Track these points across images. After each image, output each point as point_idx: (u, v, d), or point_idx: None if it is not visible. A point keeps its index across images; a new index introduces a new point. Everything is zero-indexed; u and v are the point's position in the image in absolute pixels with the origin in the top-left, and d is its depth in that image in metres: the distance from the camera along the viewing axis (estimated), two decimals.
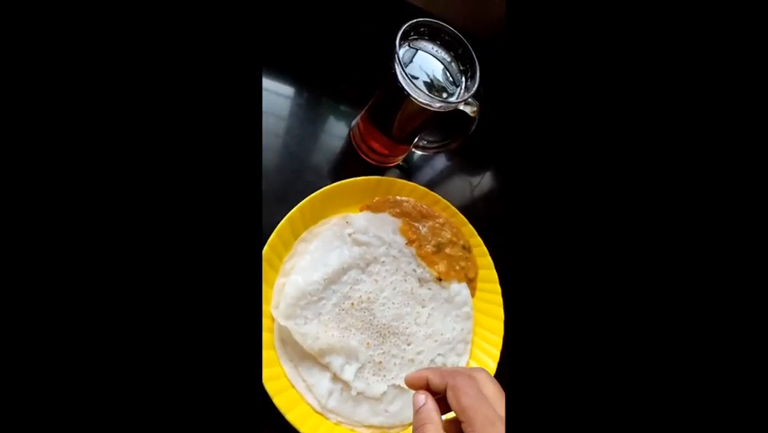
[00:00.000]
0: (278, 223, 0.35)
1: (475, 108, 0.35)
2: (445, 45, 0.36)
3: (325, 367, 0.34)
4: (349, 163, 0.44)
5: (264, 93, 0.44)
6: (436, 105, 0.33)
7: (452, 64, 0.36)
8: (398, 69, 0.32)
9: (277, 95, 0.45)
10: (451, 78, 0.36)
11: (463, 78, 0.36)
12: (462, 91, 0.35)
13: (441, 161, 0.50)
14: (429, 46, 0.36)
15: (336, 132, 0.46)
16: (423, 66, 0.35)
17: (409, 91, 0.33)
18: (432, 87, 0.34)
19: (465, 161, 0.51)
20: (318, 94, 0.46)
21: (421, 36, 0.35)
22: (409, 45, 0.35)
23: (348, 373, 0.34)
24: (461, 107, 0.35)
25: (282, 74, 0.45)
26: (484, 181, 0.51)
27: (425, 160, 0.49)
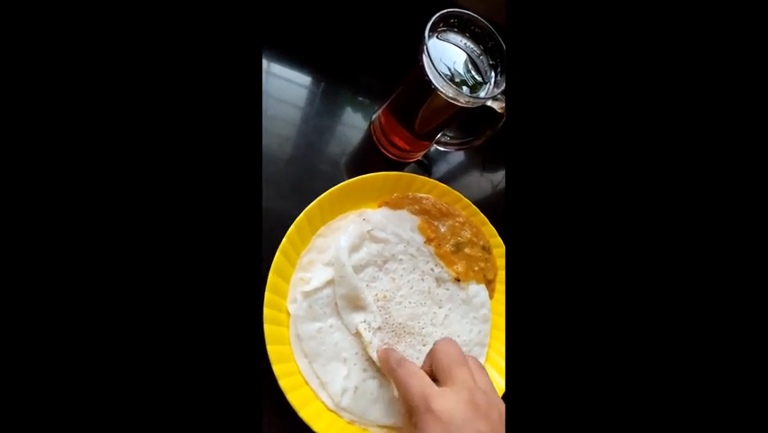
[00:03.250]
0: (294, 214, 0.35)
1: (503, 104, 0.34)
2: (475, 38, 0.34)
3: (340, 363, 0.34)
4: (367, 157, 0.44)
5: (280, 81, 0.43)
6: (463, 100, 0.32)
7: (482, 57, 0.35)
8: (426, 62, 0.31)
9: (293, 83, 0.44)
10: (474, 71, 0.34)
11: (493, 73, 0.34)
12: (492, 87, 0.34)
13: (460, 157, 0.49)
14: (458, 38, 0.34)
15: (353, 123, 0.45)
16: (443, 57, 0.33)
17: (437, 85, 0.31)
18: (452, 79, 0.33)
19: (486, 157, 0.50)
20: (336, 84, 0.45)
21: (450, 28, 0.34)
22: (437, 37, 0.34)
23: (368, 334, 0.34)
24: (489, 103, 0.33)
25: (299, 62, 0.44)
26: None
27: (443, 155, 0.48)
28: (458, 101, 0.32)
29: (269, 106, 0.42)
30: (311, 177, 0.41)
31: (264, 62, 0.43)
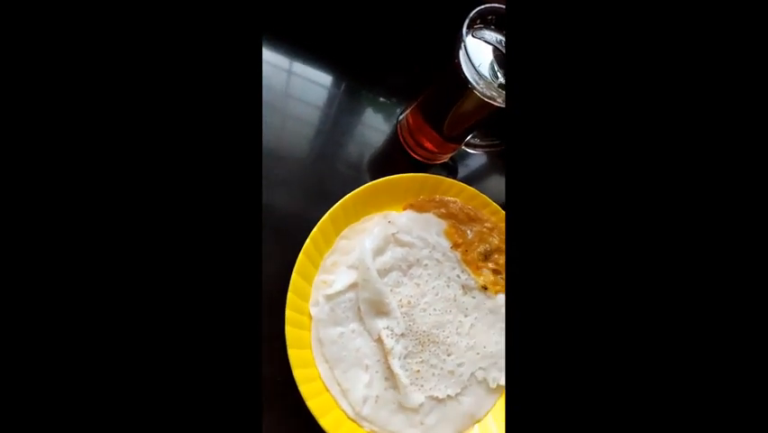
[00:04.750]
0: (313, 216, 0.34)
1: None
2: None
3: (361, 370, 0.32)
4: (391, 158, 0.42)
5: (301, 81, 0.42)
6: (501, 99, 0.30)
7: None
8: (464, 59, 0.30)
9: (314, 83, 0.43)
10: (500, 73, 0.33)
11: None
12: None
13: (481, 158, 0.47)
14: (494, 36, 0.33)
15: (375, 124, 0.44)
16: (468, 59, 0.32)
17: (474, 83, 0.30)
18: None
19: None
20: (357, 84, 0.44)
21: (487, 25, 0.32)
22: (473, 35, 0.32)
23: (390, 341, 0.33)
24: None
25: (321, 62, 0.43)
26: None
27: (470, 158, 0.46)
28: (495, 101, 0.30)
29: (291, 106, 0.41)
30: (331, 178, 0.40)
31: (286, 61, 0.43)
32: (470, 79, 0.30)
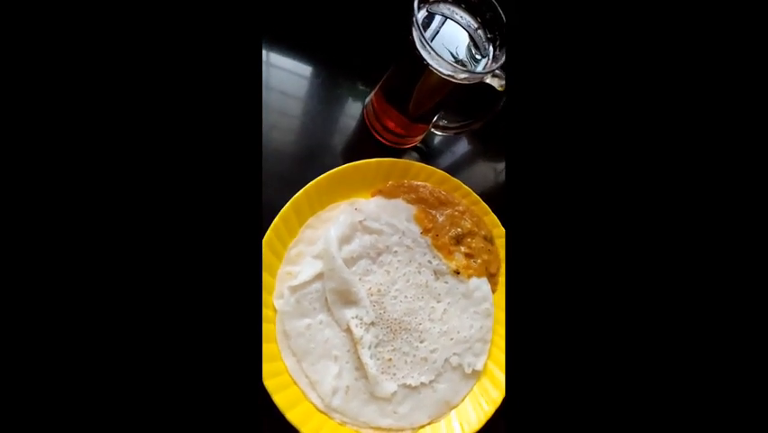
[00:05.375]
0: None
1: (504, 82, 0.31)
2: (471, 9, 0.32)
3: (330, 362, 0.32)
4: (362, 144, 0.41)
5: (280, 72, 0.41)
6: (460, 76, 0.29)
7: (479, 31, 0.32)
8: (417, 35, 0.28)
9: (293, 74, 0.42)
10: (476, 54, 0.31)
11: (491, 47, 0.32)
12: (490, 62, 0.31)
13: (462, 144, 0.46)
14: (452, 10, 0.32)
15: (353, 112, 0.43)
16: (445, 43, 0.31)
17: (429, 60, 0.29)
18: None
19: (489, 144, 0.47)
20: (336, 72, 0.43)
21: None
22: (428, 10, 0.31)
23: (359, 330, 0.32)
24: (488, 80, 0.31)
25: (298, 52, 0.42)
26: None
27: (444, 143, 0.45)
28: (454, 77, 0.29)
29: (270, 98, 0.40)
30: (309, 169, 0.39)
31: (263, 53, 0.42)
32: (425, 57, 0.29)
